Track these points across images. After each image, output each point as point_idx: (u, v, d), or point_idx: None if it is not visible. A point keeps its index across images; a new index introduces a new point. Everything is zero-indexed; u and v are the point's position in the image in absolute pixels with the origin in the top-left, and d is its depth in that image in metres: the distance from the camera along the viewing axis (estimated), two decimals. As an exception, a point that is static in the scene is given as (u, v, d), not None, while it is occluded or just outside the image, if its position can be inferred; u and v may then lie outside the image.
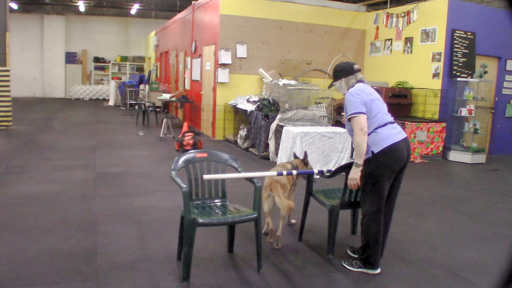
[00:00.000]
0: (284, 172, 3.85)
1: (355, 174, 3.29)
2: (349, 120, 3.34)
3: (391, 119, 3.43)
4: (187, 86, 12.71)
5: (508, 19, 8.66)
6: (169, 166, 3.41)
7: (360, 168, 3.27)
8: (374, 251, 3.38)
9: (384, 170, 3.28)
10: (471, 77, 8.81)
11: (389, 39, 10.30)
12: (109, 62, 21.93)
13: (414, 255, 3.88)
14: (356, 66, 3.55)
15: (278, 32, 10.24)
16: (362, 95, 3.31)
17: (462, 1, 9.49)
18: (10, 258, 3.47)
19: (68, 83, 21.17)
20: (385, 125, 3.33)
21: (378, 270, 3.43)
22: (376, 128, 3.31)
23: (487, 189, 6.81)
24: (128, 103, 15.90)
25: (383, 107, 3.41)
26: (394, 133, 3.33)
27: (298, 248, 3.94)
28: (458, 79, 8.81)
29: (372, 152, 3.27)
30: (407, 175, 6.53)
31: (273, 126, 7.82)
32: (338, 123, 8.36)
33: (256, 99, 8.91)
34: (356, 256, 3.65)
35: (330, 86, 3.68)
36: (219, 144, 9.46)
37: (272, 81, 9.23)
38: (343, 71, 3.53)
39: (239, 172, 3.60)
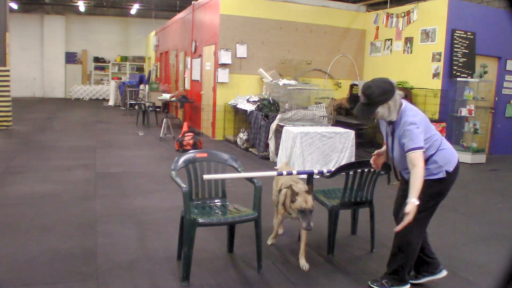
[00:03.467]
0: (284, 172, 3.85)
1: (413, 210, 2.75)
2: (405, 153, 2.90)
3: None
4: (187, 86, 12.71)
5: (508, 19, 8.65)
6: (169, 166, 3.40)
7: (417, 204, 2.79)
8: (411, 267, 3.18)
9: (450, 187, 3.08)
10: (471, 77, 8.81)
11: (389, 39, 10.30)
12: (109, 62, 21.93)
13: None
14: (394, 81, 3.07)
15: (278, 32, 10.23)
16: (422, 124, 2.93)
17: (462, 1, 9.49)
18: (10, 258, 3.47)
19: (68, 83, 21.18)
20: (442, 139, 3.07)
21: (409, 285, 3.20)
22: (441, 146, 3.02)
23: (487, 189, 6.80)
24: (128, 103, 15.90)
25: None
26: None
27: (298, 248, 3.94)
28: (458, 79, 8.81)
29: (446, 171, 2.99)
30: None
31: (273, 126, 7.82)
32: (338, 123, 8.36)
33: (256, 99, 8.91)
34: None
35: (368, 113, 3.00)
36: (219, 144, 9.46)
37: (272, 81, 9.24)
38: (388, 93, 2.90)
39: (239, 172, 3.59)
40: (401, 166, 3.13)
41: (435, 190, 3.02)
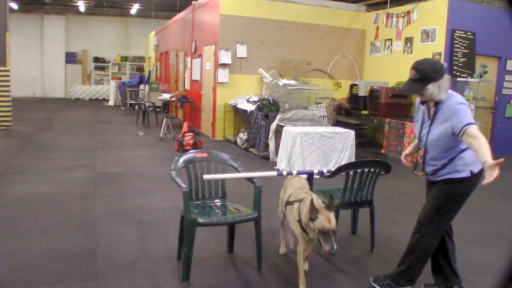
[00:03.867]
0: (284, 172, 3.85)
1: (496, 167, 2.53)
2: (461, 129, 2.76)
3: None
4: (187, 86, 12.71)
5: (508, 19, 8.66)
6: (169, 166, 3.41)
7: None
8: (421, 269, 3.11)
9: (472, 191, 3.00)
10: (471, 77, 8.80)
11: (389, 39, 10.30)
12: (109, 62, 21.93)
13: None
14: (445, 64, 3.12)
15: (278, 32, 10.24)
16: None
17: (462, 1, 9.49)
18: (10, 258, 3.47)
19: (68, 83, 21.19)
20: None
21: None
22: None
23: (487, 189, 6.77)
24: (128, 103, 15.91)
25: None
26: None
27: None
28: (458, 79, 8.80)
29: (471, 171, 2.91)
30: (407, 175, 6.50)
31: (273, 126, 7.82)
32: (338, 123, 8.36)
33: (256, 99, 8.91)
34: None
35: (419, 89, 2.90)
36: (219, 144, 9.46)
37: (272, 81, 9.24)
38: (440, 71, 2.89)
39: (239, 172, 3.59)
40: (433, 153, 2.99)
41: (456, 191, 2.95)
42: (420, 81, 2.88)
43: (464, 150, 2.91)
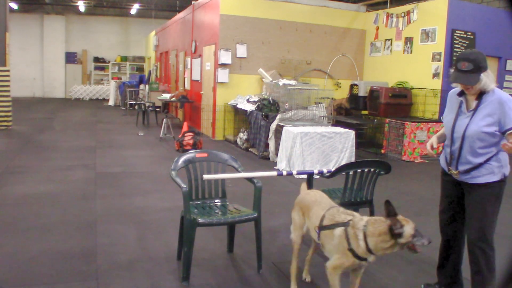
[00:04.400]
0: (284, 172, 3.85)
1: None
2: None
3: None
4: (187, 86, 12.72)
5: (508, 19, 8.66)
6: (169, 166, 3.40)
7: None
8: (494, 280, 2.94)
9: (503, 194, 2.96)
10: (471, 77, 8.80)
11: (389, 39, 10.31)
12: (109, 62, 21.94)
13: (414, 255, 3.86)
14: None
15: (278, 32, 10.24)
16: None
17: (462, 1, 9.50)
18: (10, 258, 3.47)
19: (68, 83, 21.19)
20: None
21: None
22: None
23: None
24: (128, 103, 15.91)
25: None
26: None
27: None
28: (458, 79, 8.81)
29: (504, 174, 2.86)
30: (407, 175, 6.51)
31: (273, 126, 7.82)
32: (338, 123, 8.37)
33: (256, 99, 8.92)
34: None
35: (474, 79, 2.74)
36: (219, 144, 9.46)
37: (272, 81, 9.24)
38: (486, 61, 2.79)
39: (239, 172, 3.59)
40: (470, 147, 2.84)
41: (495, 193, 2.89)
42: (474, 71, 2.73)
43: (500, 151, 2.82)
